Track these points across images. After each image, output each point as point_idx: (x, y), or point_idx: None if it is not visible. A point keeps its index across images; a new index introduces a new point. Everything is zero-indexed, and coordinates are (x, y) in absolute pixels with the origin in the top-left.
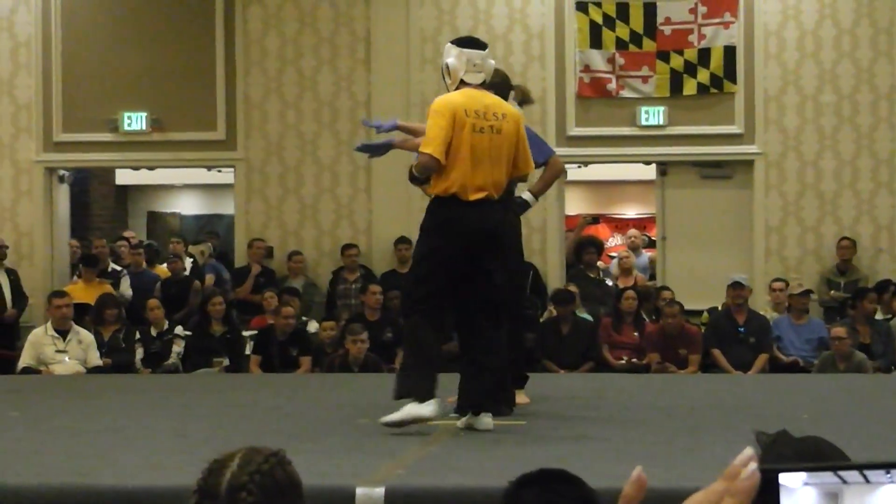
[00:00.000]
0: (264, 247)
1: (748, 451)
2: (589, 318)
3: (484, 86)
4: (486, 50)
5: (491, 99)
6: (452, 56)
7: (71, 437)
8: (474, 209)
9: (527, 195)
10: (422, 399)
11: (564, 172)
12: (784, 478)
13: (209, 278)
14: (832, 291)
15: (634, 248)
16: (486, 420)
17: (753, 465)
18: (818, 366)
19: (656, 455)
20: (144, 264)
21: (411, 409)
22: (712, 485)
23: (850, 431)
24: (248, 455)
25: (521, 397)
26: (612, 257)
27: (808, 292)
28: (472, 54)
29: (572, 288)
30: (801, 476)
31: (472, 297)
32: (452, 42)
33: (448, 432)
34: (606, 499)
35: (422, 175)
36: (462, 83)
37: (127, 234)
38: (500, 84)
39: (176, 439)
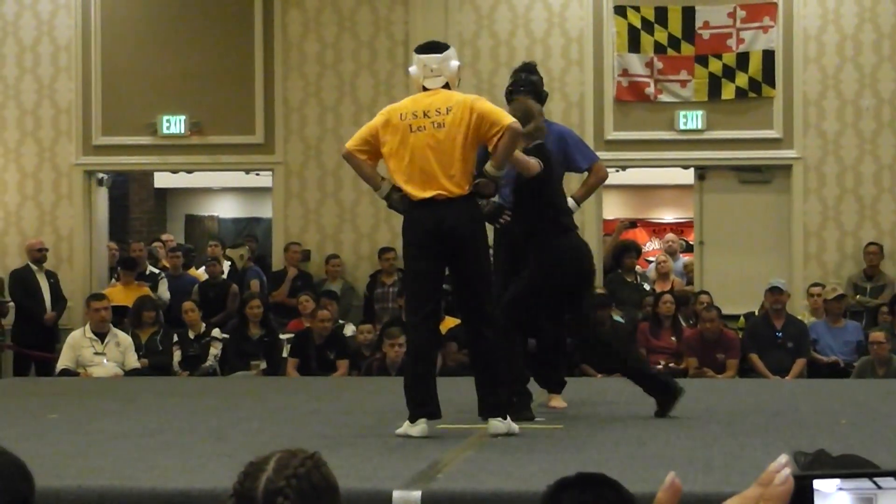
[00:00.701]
0: (300, 250)
1: (782, 458)
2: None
3: (447, 88)
4: (445, 52)
5: (438, 96)
6: (413, 64)
7: (110, 439)
8: (426, 208)
9: (570, 201)
10: (411, 420)
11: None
12: (819, 483)
13: (254, 284)
14: (857, 297)
15: (672, 253)
16: (495, 424)
17: (787, 471)
18: (857, 371)
19: (695, 460)
20: (181, 267)
21: (404, 428)
22: (746, 490)
23: (889, 436)
24: (284, 458)
25: (557, 401)
26: (650, 261)
27: (842, 296)
28: (428, 59)
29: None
30: (836, 481)
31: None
32: (415, 49)
33: (485, 437)
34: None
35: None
36: (424, 89)
37: (165, 237)
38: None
39: (215, 442)
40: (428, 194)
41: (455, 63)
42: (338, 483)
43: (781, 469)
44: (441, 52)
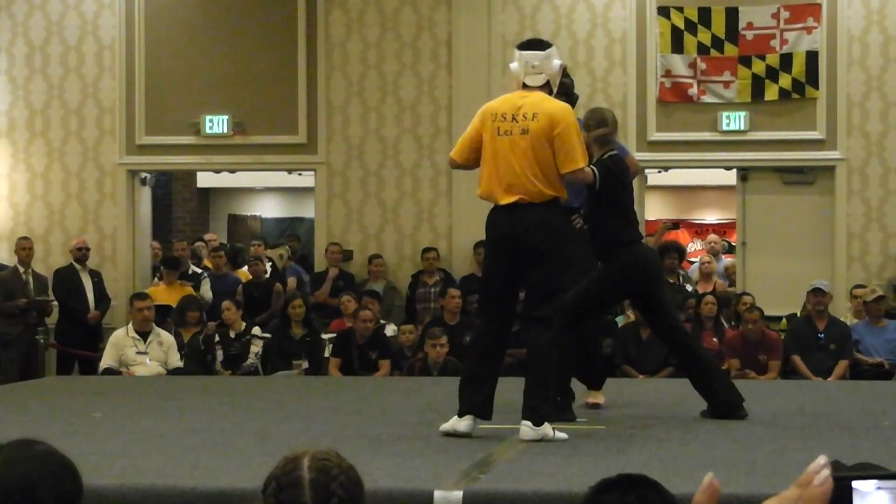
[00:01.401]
0: (341, 250)
1: (821, 459)
2: None
3: (547, 86)
4: (548, 50)
5: (529, 99)
6: (514, 60)
7: (153, 438)
8: (505, 213)
9: None
10: (459, 414)
11: (642, 172)
12: (857, 483)
13: (291, 281)
14: None
15: (714, 254)
16: (524, 429)
17: (826, 472)
18: None
19: (738, 462)
20: (224, 267)
21: (451, 423)
22: (786, 491)
23: None
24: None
25: (597, 397)
26: (692, 262)
27: (881, 298)
28: (530, 56)
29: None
30: (874, 481)
31: (523, 304)
32: (516, 46)
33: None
34: None
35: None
36: (524, 86)
37: (208, 236)
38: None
39: (258, 442)
40: (508, 200)
41: (557, 62)
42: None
43: (820, 470)
44: (543, 50)
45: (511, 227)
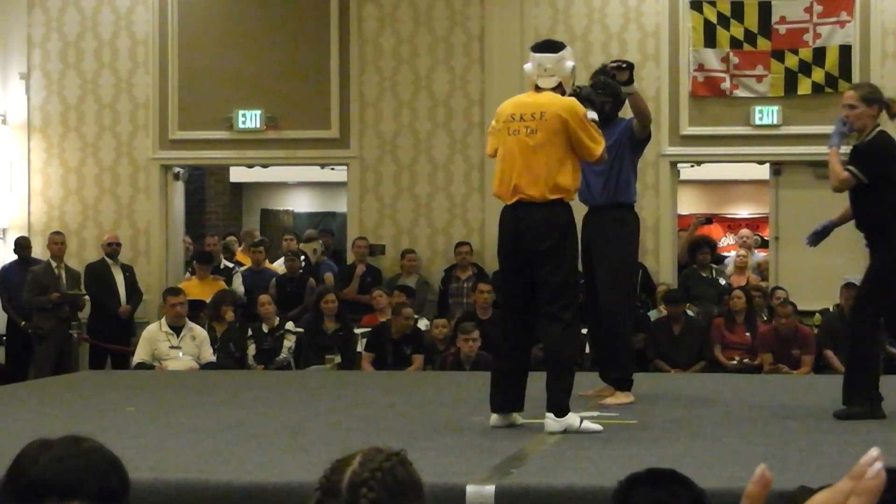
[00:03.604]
0: (367, 245)
1: (873, 451)
2: (694, 316)
3: (559, 87)
4: (561, 52)
5: (536, 99)
6: (528, 62)
7: (186, 432)
8: (510, 212)
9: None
10: (492, 410)
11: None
12: None
13: (328, 277)
14: None
15: (747, 248)
16: (547, 422)
17: (879, 465)
18: None
19: (771, 457)
20: (266, 262)
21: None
22: (838, 484)
23: None
24: (370, 454)
25: (625, 397)
26: (725, 257)
27: None
28: (543, 58)
29: (662, 287)
30: None
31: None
32: (530, 47)
33: (561, 431)
34: (721, 500)
35: None
36: (536, 87)
37: (249, 230)
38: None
39: (291, 436)
40: (513, 199)
41: (570, 63)
42: (421, 481)
43: (873, 462)
44: (556, 52)
45: (515, 226)
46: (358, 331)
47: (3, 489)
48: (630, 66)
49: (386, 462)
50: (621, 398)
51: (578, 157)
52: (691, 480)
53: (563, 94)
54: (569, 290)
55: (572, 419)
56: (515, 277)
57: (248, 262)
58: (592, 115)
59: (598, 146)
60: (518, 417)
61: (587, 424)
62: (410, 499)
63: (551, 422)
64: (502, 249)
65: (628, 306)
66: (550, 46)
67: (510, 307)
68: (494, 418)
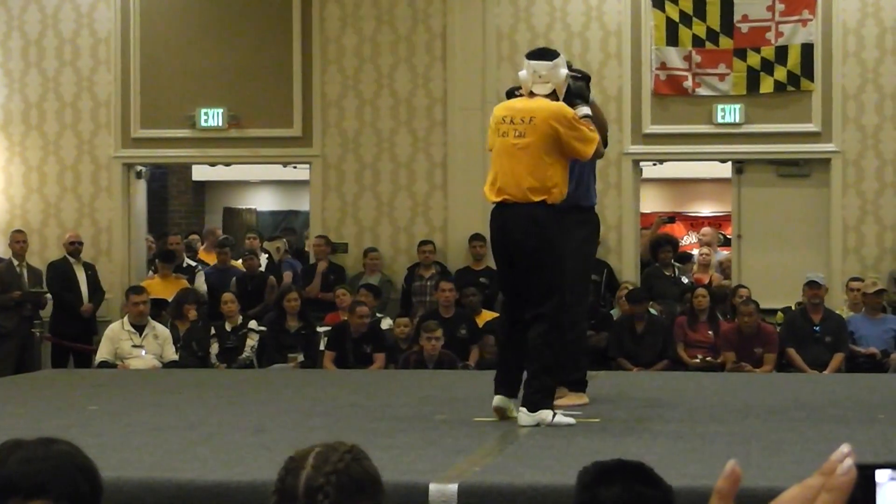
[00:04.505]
0: (325, 243)
1: (844, 447)
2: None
3: (553, 94)
4: (555, 60)
5: (524, 104)
6: (523, 69)
7: (149, 431)
8: (496, 212)
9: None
10: (495, 393)
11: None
12: (878, 473)
13: (287, 275)
14: None
15: (706, 246)
16: (520, 416)
17: (850, 461)
18: (894, 365)
19: (733, 455)
20: (231, 261)
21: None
22: (808, 480)
23: None
24: (323, 454)
25: (578, 398)
26: (690, 255)
27: (882, 291)
28: (538, 66)
29: (625, 285)
30: (888, 472)
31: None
32: (525, 55)
33: (522, 430)
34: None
35: None
36: (531, 94)
37: (212, 229)
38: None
39: (254, 435)
40: (497, 199)
41: (564, 71)
42: (379, 474)
43: (844, 458)
44: (551, 60)
45: (500, 225)
46: (321, 329)
47: None
48: (587, 78)
49: (339, 462)
50: (574, 399)
51: (569, 159)
52: (659, 476)
53: (557, 100)
54: (554, 291)
55: (544, 414)
56: (507, 272)
57: (211, 261)
58: (584, 110)
59: (589, 145)
60: (513, 410)
61: (560, 418)
62: (369, 495)
63: (524, 416)
64: (492, 246)
65: (587, 309)
66: (545, 54)
67: (507, 301)
68: (494, 399)
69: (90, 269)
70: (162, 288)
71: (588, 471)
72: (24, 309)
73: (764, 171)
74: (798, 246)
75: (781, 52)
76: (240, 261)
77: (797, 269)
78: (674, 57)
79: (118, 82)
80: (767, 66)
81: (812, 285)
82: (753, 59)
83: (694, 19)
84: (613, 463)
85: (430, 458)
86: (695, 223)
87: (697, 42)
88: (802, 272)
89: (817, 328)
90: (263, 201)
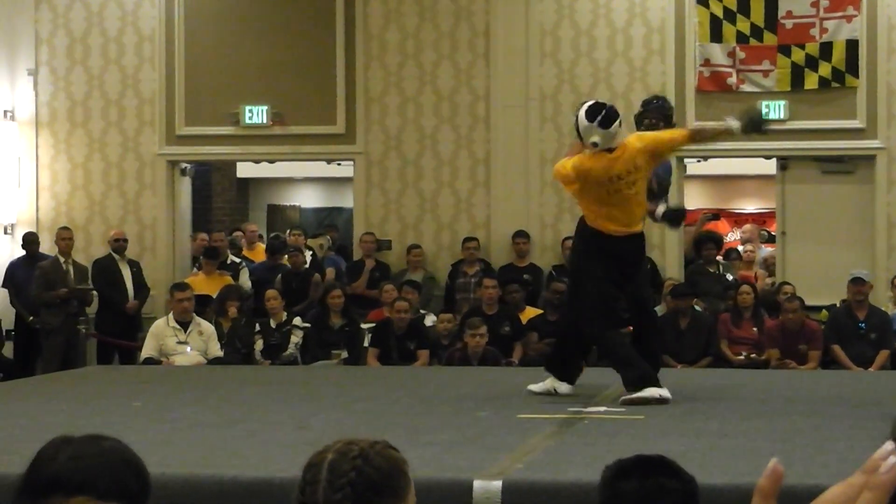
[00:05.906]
0: (374, 240)
1: (888, 445)
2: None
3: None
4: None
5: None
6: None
7: (193, 427)
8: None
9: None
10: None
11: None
12: None
13: (329, 271)
14: None
15: (750, 241)
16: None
17: (893, 459)
18: None
19: (777, 452)
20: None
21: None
22: (851, 478)
23: None
24: (336, 463)
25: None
26: (735, 251)
27: None
28: (601, 136)
29: (669, 282)
30: None
31: None
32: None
33: (567, 427)
34: (727, 495)
35: None
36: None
37: (249, 226)
38: None
39: (297, 431)
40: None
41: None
42: (399, 463)
43: (887, 457)
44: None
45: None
46: (364, 326)
47: (21, 485)
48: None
49: (352, 472)
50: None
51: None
52: (680, 467)
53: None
54: (583, 301)
55: (549, 383)
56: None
57: (256, 258)
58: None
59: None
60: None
61: (561, 388)
62: (388, 492)
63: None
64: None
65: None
66: (607, 121)
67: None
68: (565, 387)
69: (135, 266)
70: (206, 285)
71: (609, 467)
72: (70, 306)
73: (808, 168)
74: (842, 243)
75: (826, 49)
76: (285, 257)
77: (841, 265)
78: (718, 53)
79: (162, 80)
80: (812, 63)
81: (856, 282)
82: (798, 56)
83: (738, 15)
84: (634, 458)
85: (474, 455)
86: (739, 220)
87: (741, 38)
88: (847, 269)
89: (862, 325)
90: (307, 198)
